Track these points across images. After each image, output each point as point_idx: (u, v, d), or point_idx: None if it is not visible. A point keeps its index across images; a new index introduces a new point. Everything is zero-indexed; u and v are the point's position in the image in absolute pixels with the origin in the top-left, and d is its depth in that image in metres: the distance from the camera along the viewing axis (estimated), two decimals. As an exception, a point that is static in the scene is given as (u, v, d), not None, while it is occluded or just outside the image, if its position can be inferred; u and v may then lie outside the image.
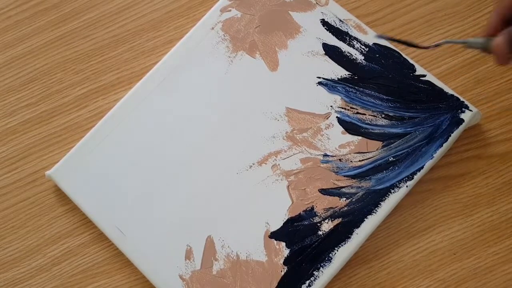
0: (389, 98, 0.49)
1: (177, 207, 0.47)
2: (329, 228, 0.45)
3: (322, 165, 0.47)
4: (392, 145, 0.47)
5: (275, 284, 0.44)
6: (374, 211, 0.45)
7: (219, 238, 0.46)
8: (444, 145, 0.46)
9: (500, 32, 0.39)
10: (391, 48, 0.50)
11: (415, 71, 0.49)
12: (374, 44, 0.50)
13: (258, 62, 0.50)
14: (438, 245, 0.46)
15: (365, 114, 0.48)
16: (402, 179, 0.46)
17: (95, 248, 0.48)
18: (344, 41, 0.50)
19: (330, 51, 0.50)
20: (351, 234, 0.45)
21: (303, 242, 0.45)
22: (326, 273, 0.44)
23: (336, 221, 0.45)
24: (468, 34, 0.52)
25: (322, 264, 0.44)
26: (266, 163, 0.47)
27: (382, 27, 0.52)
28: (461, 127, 0.47)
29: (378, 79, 0.49)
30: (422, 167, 0.46)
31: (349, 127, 0.48)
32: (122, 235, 0.46)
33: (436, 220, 0.47)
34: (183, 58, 0.51)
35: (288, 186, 0.47)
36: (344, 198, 0.46)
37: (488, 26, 0.40)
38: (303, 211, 0.46)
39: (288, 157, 0.47)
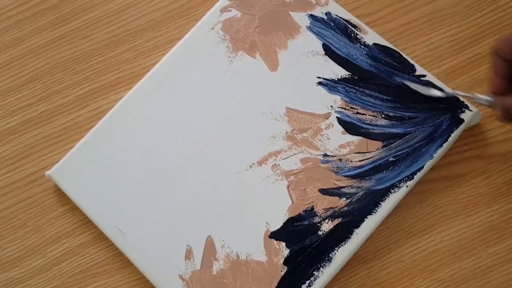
0: (389, 98, 0.49)
1: (177, 207, 0.47)
2: (329, 228, 0.45)
3: (322, 165, 0.47)
4: (392, 145, 0.47)
5: (275, 284, 0.44)
6: (374, 211, 0.45)
7: (219, 238, 0.45)
8: (444, 145, 0.46)
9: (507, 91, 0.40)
10: (391, 48, 0.50)
11: (415, 71, 0.49)
12: (374, 44, 0.50)
13: (258, 62, 0.50)
14: (438, 245, 0.46)
15: (365, 114, 0.48)
16: (402, 179, 0.46)
17: (95, 248, 0.48)
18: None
19: (330, 51, 0.50)
20: (351, 234, 0.45)
21: (303, 242, 0.45)
22: (326, 273, 0.44)
23: (336, 221, 0.45)
24: (468, 34, 0.52)
25: (322, 264, 0.44)
26: (266, 163, 0.47)
27: (382, 27, 0.52)
28: (461, 127, 0.47)
29: (378, 79, 0.49)
30: (422, 167, 0.46)
31: (349, 127, 0.48)
32: (122, 235, 0.46)
33: (436, 220, 0.47)
34: (183, 58, 0.51)
35: (288, 186, 0.47)
36: (344, 198, 0.46)
37: (493, 86, 0.42)
38: (303, 211, 0.46)
39: (288, 157, 0.47)
